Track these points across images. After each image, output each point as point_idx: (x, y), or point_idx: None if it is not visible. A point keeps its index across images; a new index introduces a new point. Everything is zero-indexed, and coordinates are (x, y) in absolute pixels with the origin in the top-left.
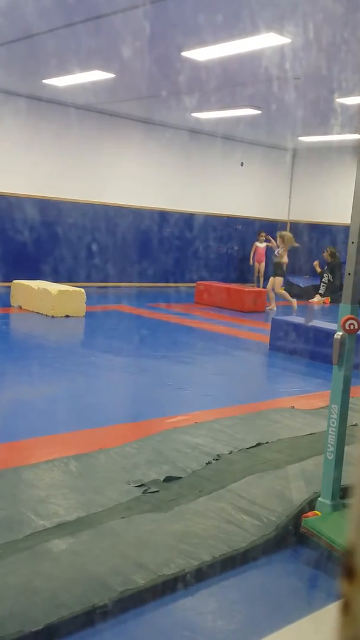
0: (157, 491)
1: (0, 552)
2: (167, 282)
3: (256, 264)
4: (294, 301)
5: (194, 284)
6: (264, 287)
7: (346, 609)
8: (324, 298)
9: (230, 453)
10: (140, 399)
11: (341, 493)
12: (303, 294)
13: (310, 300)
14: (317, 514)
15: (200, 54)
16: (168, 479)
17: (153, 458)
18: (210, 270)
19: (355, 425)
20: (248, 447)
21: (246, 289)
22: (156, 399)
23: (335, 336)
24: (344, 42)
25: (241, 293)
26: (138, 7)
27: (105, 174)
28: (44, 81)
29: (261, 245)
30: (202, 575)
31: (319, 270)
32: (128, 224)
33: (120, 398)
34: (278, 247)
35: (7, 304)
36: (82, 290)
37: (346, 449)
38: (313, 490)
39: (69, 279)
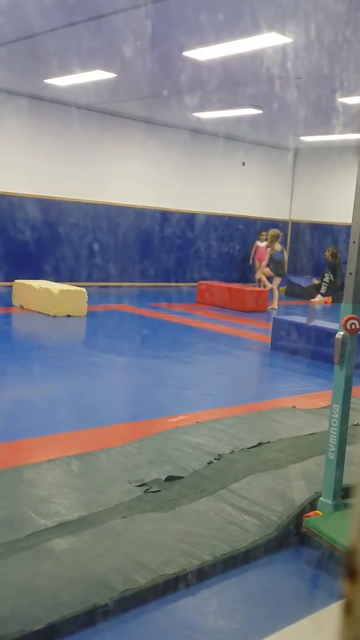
0: (159, 491)
1: (2, 552)
2: (169, 281)
3: (257, 263)
4: (269, 285)
5: (195, 284)
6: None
7: (348, 610)
8: (326, 298)
9: (232, 453)
10: (142, 398)
11: (342, 493)
12: (304, 294)
13: (311, 300)
14: (319, 514)
15: (201, 54)
16: (169, 479)
17: (154, 458)
18: (211, 270)
19: (357, 425)
20: (249, 446)
21: (248, 289)
22: (157, 399)
23: (337, 336)
24: (345, 41)
25: (243, 293)
26: (139, 7)
27: (106, 173)
28: (45, 81)
29: (262, 245)
30: (203, 574)
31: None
32: (129, 223)
33: (121, 398)
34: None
35: (9, 304)
36: (84, 290)
37: (348, 448)
38: (314, 490)
39: (70, 278)
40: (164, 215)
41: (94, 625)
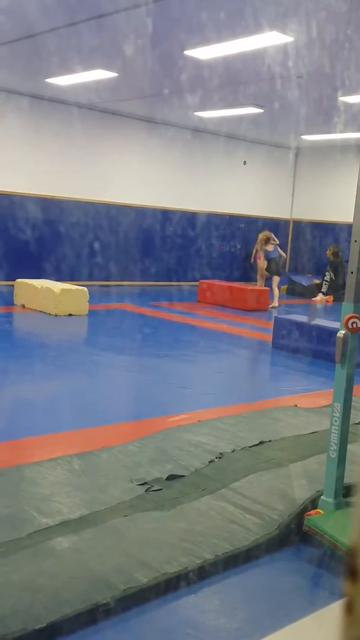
0: (160, 489)
1: (4, 550)
2: (170, 280)
3: (258, 261)
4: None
5: (196, 283)
6: (267, 285)
7: (349, 609)
8: (327, 296)
9: (233, 451)
10: (143, 397)
11: (344, 491)
12: (306, 293)
13: (313, 299)
14: (320, 513)
15: (203, 53)
16: (171, 477)
17: (156, 456)
18: (213, 268)
19: (358, 423)
20: (251, 445)
21: (249, 288)
22: (159, 398)
23: (338, 335)
24: (347, 39)
25: (244, 292)
26: (140, 6)
27: (107, 172)
28: (46, 80)
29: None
30: (204, 573)
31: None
32: (130, 222)
33: (122, 396)
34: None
35: (11, 303)
36: (85, 289)
37: (349, 447)
38: (316, 488)
39: (71, 277)
40: (165, 214)
41: (95, 624)
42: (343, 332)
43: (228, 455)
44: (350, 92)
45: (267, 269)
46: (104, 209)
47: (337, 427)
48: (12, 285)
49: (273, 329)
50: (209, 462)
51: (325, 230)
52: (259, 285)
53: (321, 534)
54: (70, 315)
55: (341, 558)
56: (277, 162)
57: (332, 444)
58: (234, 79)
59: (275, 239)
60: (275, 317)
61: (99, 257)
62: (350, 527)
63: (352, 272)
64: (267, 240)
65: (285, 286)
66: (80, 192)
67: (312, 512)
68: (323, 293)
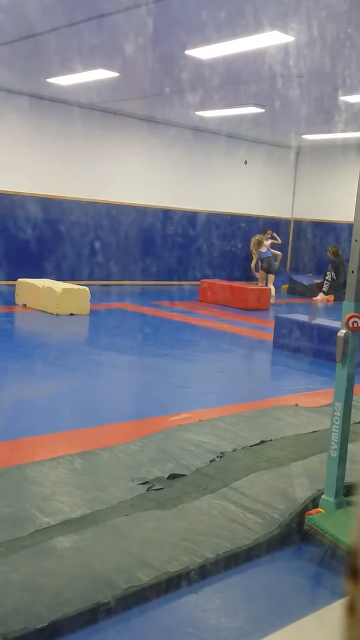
0: (161, 489)
1: (5, 550)
2: (171, 280)
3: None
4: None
5: (197, 282)
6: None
7: (351, 609)
8: (328, 296)
9: (234, 451)
10: (144, 396)
11: (345, 490)
12: (306, 292)
13: (314, 298)
14: (321, 512)
15: (203, 52)
16: (172, 477)
17: (157, 456)
18: (214, 268)
19: (359, 422)
20: (252, 444)
21: (250, 287)
22: (160, 397)
23: (339, 334)
24: (348, 39)
25: (245, 291)
26: (141, 6)
27: (108, 172)
28: (48, 80)
29: (267, 242)
30: (205, 572)
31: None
32: (131, 222)
33: (124, 396)
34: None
35: (12, 302)
36: (87, 288)
37: (350, 446)
38: (317, 487)
39: (72, 277)
40: (166, 214)
41: (96, 623)
42: (344, 331)
43: (229, 455)
44: (351, 91)
45: (261, 268)
46: (104, 209)
47: (337, 426)
48: (14, 285)
49: (274, 328)
50: (210, 461)
51: (326, 229)
52: (260, 284)
53: (322, 533)
54: (71, 314)
55: (342, 557)
56: (278, 162)
57: (332, 443)
58: (234, 79)
59: (278, 238)
60: (276, 316)
61: (100, 257)
62: (351, 526)
63: (353, 272)
64: (260, 244)
65: (287, 285)
66: (81, 191)
67: (313, 511)
68: (324, 292)
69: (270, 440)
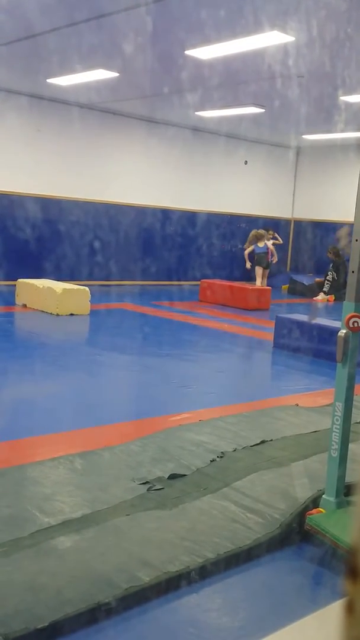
0: (162, 488)
1: (6, 550)
2: (171, 280)
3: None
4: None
5: (197, 282)
6: (268, 284)
7: (350, 609)
8: (328, 296)
9: (235, 450)
10: (145, 396)
11: (345, 490)
12: (306, 292)
13: (314, 298)
14: (321, 512)
15: (203, 52)
16: (172, 477)
17: (157, 456)
18: (214, 268)
19: None
20: (252, 444)
21: (250, 287)
22: (160, 397)
23: (339, 334)
24: (347, 38)
25: (245, 291)
26: (141, 6)
27: (107, 172)
28: (47, 80)
29: (268, 242)
30: (206, 572)
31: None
32: (131, 222)
33: (124, 396)
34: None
35: (12, 303)
36: (87, 288)
37: (350, 446)
38: (317, 487)
39: (71, 277)
40: (166, 214)
41: (97, 623)
42: (344, 331)
43: (229, 455)
44: (350, 91)
45: (255, 262)
46: (104, 209)
47: (338, 426)
48: (14, 285)
49: (274, 328)
50: (211, 461)
51: (326, 229)
52: (258, 280)
53: (322, 533)
54: (71, 314)
55: (342, 557)
56: (277, 162)
57: (333, 443)
58: (234, 79)
59: (279, 238)
60: (276, 316)
61: (100, 257)
62: (351, 526)
63: (353, 271)
64: (259, 238)
65: (287, 285)
66: (80, 191)
67: (314, 511)
68: (324, 292)
69: (271, 440)
